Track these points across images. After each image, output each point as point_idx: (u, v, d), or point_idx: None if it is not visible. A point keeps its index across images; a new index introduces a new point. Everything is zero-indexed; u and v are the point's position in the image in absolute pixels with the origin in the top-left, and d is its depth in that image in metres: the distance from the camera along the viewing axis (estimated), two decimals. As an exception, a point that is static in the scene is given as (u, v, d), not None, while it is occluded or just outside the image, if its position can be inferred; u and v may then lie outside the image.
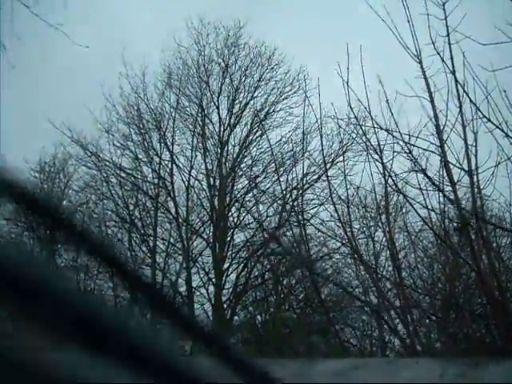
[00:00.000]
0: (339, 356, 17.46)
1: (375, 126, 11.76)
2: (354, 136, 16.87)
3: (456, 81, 10.71)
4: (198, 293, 29.72)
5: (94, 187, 30.86)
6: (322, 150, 17.77)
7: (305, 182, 27.17)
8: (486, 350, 13.18)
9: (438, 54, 10.71)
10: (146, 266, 30.71)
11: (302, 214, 21.43)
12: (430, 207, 12.02)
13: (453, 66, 10.85)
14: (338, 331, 18.53)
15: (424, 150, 11.22)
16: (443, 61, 10.72)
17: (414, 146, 11.35)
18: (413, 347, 13.16)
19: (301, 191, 26.91)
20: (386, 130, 11.49)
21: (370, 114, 11.75)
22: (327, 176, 19.11)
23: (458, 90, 10.79)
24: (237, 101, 30.48)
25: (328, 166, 25.73)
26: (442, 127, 10.81)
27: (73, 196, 31.94)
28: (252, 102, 30.49)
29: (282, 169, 28.13)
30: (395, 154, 11.78)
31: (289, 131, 28.85)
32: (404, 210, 19.32)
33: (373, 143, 12.24)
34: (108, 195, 30.71)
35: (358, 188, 17.01)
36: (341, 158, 24.13)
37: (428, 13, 11.16)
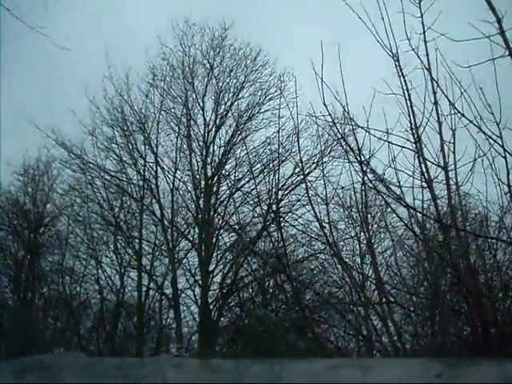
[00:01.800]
0: (316, 354, 17.46)
1: (352, 124, 11.77)
2: (333, 136, 16.95)
3: (431, 77, 10.72)
4: (184, 295, 29.75)
5: (79, 190, 30.92)
6: (300, 152, 17.71)
7: (289, 183, 27.36)
8: (467, 347, 13.19)
9: (414, 50, 10.70)
10: (131, 268, 30.71)
11: (278, 218, 21.55)
12: (410, 205, 12.04)
13: (428, 63, 10.86)
14: (314, 329, 18.47)
15: (401, 147, 11.23)
16: (419, 57, 10.72)
17: (391, 143, 11.33)
18: (395, 345, 13.15)
19: (282, 194, 27.20)
20: (362, 128, 11.49)
21: (346, 111, 11.71)
22: (305, 179, 19.17)
23: (433, 87, 10.81)
24: (222, 102, 30.51)
25: (311, 168, 26.03)
26: (418, 124, 10.84)
27: (57, 199, 31.92)
28: (237, 103, 30.52)
29: (266, 170, 28.21)
30: (372, 152, 11.78)
31: (273, 133, 28.80)
32: (388, 210, 19.27)
33: (351, 142, 12.26)
34: (93, 198, 30.76)
35: (342, 188, 17.03)
36: (324, 159, 24.38)
37: (404, 11, 11.18)
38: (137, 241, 30.54)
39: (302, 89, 15.02)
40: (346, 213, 20.12)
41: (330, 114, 11.92)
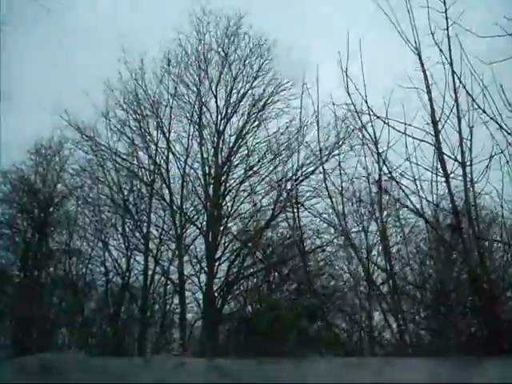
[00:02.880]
0: (327, 341, 17.60)
1: (371, 114, 11.85)
2: (350, 126, 17.07)
3: (453, 72, 10.78)
4: (189, 281, 29.75)
5: (90, 171, 30.92)
6: (319, 141, 17.73)
7: (300, 173, 27.38)
8: (474, 343, 13.26)
9: (437, 44, 10.80)
10: (138, 252, 30.80)
11: (297, 204, 21.54)
12: (424, 197, 12.13)
13: (450, 58, 10.93)
14: (325, 315, 18.62)
15: (419, 140, 11.31)
16: (441, 51, 10.82)
17: (410, 136, 11.41)
18: (402, 337, 13.25)
19: (296, 182, 27.27)
20: (380, 118, 11.57)
21: (366, 102, 11.79)
22: (323, 168, 19.15)
23: (454, 82, 10.90)
24: (235, 90, 30.46)
25: (324, 159, 26.05)
26: (437, 118, 10.91)
27: (68, 179, 32.01)
28: (250, 91, 30.45)
29: (278, 159, 28.35)
30: (391, 143, 11.86)
31: (286, 122, 28.85)
32: (397, 206, 19.26)
33: (369, 133, 12.34)
34: (103, 180, 30.77)
35: (352, 180, 17.15)
36: (337, 151, 24.45)
37: (428, 6, 11.25)
38: (145, 225, 30.63)
39: (320, 80, 15.14)
40: (361, 208, 20.17)
41: (352, 104, 12.01)
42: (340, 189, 14.76)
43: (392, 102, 11.94)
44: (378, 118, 11.66)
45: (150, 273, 30.31)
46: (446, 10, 11.08)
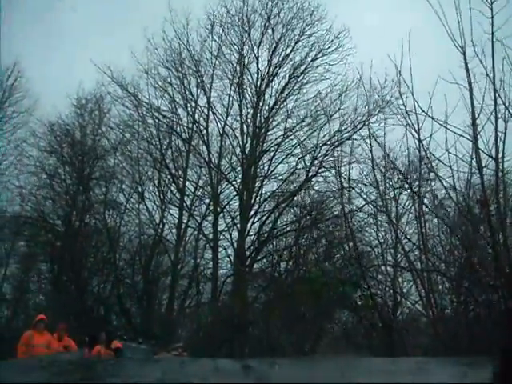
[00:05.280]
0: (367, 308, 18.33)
1: (415, 103, 12.46)
2: (390, 97, 17.74)
3: (494, 75, 11.23)
4: (221, 236, 30.34)
5: (130, 125, 31.48)
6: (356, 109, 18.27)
7: (336, 138, 27.88)
8: (493, 319, 13.83)
9: (478, 56, 11.25)
10: (173, 205, 31.43)
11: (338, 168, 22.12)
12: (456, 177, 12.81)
13: (493, 61, 11.40)
14: (369, 285, 19.29)
15: (458, 135, 11.91)
16: (481, 62, 11.27)
17: (449, 129, 12.02)
18: (429, 306, 13.91)
19: (332, 147, 27.80)
20: (429, 116, 12.18)
21: (412, 93, 12.37)
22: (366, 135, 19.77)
23: (494, 84, 11.36)
24: (276, 53, 30.72)
25: (359, 126, 26.63)
26: (476, 115, 11.49)
27: (109, 133, 32.57)
28: (291, 55, 30.71)
29: (315, 124, 28.82)
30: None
31: (327, 87, 29.26)
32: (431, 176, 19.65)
33: (412, 122, 13.06)
34: (143, 134, 31.39)
35: (387, 153, 17.78)
36: (373, 119, 24.93)
37: (476, 9, 11.69)
38: (181, 180, 31.31)
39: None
40: (393, 176, 20.63)
41: (403, 104, 12.57)
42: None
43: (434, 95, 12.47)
44: (423, 111, 12.23)
45: (182, 227, 31.05)
46: (492, 16, 11.51)
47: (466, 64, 11.70)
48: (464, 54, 11.70)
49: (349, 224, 19.52)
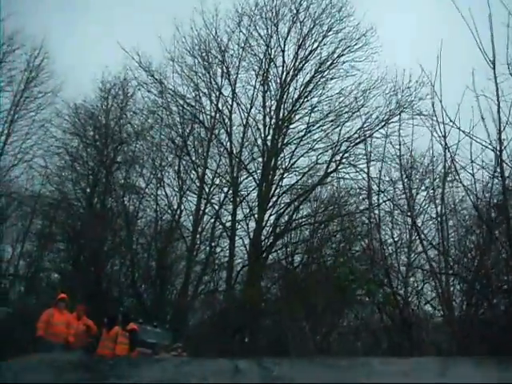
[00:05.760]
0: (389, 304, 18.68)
1: (443, 112, 12.82)
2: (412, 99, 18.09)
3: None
4: (238, 226, 30.62)
5: (154, 111, 31.82)
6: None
7: (357, 135, 28.10)
8: (506, 322, 14.06)
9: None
10: (191, 192, 31.73)
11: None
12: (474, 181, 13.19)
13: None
14: (392, 285, 19.55)
15: (484, 146, 12.26)
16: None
17: (474, 140, 12.37)
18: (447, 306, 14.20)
19: (352, 144, 28.04)
20: (456, 127, 12.53)
21: (440, 102, 12.73)
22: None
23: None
24: (303, 47, 30.91)
25: (381, 125, 26.87)
26: (503, 128, 11.84)
27: (133, 118, 32.91)
28: (318, 50, 30.85)
29: (338, 120, 29.05)
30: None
31: (352, 84, 29.50)
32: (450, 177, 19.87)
33: (439, 132, 13.49)
34: (166, 120, 31.71)
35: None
36: (395, 118, 25.12)
37: (508, 25, 12.01)
38: (201, 168, 31.55)
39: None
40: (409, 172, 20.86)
41: (435, 115, 12.89)
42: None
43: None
44: (451, 121, 12.59)
45: (200, 213, 31.36)
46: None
47: (495, 76, 11.93)
48: (494, 68, 11.94)
49: (377, 222, 19.74)
